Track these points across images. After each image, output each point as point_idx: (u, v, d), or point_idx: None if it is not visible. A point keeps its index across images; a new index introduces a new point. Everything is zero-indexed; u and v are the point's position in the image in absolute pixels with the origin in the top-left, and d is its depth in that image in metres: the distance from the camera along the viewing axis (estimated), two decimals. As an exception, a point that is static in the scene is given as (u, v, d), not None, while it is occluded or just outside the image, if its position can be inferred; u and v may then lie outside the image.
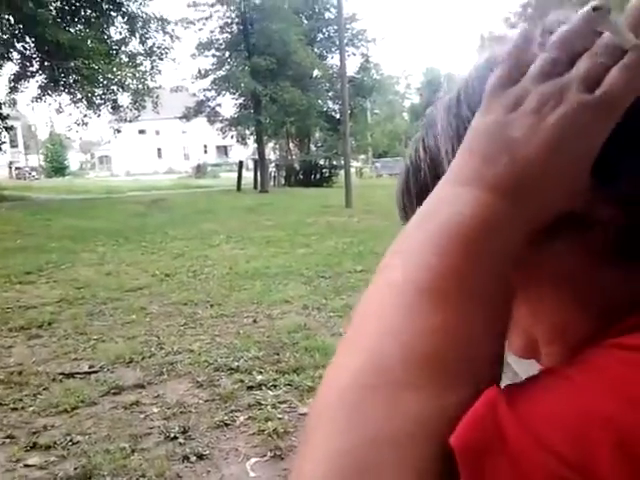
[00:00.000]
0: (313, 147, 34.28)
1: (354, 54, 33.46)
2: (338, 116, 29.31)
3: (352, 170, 20.80)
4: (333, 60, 31.59)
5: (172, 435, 2.96)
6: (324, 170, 29.54)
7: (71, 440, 2.93)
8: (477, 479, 0.29)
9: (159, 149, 64.93)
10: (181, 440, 2.93)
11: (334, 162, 29.37)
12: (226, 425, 3.09)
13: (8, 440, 2.96)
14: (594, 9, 0.37)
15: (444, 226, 0.37)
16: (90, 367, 3.95)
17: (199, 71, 27.01)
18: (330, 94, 31.59)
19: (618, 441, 0.28)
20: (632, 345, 0.33)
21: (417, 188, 0.48)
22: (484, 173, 0.38)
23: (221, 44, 27.10)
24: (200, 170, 46.78)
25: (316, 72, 29.66)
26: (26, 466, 2.72)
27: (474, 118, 0.41)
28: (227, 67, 26.77)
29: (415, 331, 0.34)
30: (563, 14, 0.42)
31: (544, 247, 0.40)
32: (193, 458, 2.76)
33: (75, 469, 2.65)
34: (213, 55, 27.26)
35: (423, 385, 0.32)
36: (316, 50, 30.17)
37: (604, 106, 0.36)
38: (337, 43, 23.47)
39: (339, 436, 0.32)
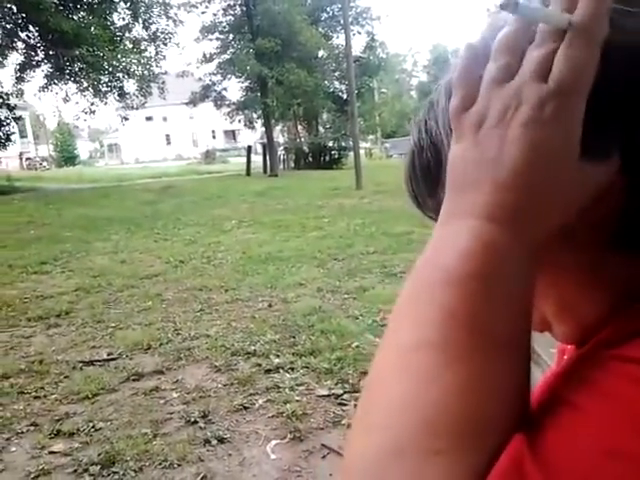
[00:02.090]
0: (321, 129, 34.09)
1: (359, 33, 33.14)
2: (345, 96, 29.09)
3: (361, 151, 20.69)
4: (338, 40, 31.27)
5: (192, 419, 3.00)
6: (333, 152, 29.41)
7: (93, 427, 2.98)
8: None
9: (167, 135, 64.87)
10: (201, 424, 2.96)
11: (343, 143, 29.22)
12: (245, 408, 3.12)
13: (32, 428, 3.01)
14: (501, 7, 0.35)
15: (441, 270, 0.35)
16: (109, 354, 3.99)
17: (204, 55, 26.87)
18: (336, 74, 31.31)
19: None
20: (635, 358, 0.32)
21: (422, 171, 0.47)
22: (474, 203, 0.36)
23: (225, 27, 26.90)
24: (209, 156, 46.74)
25: (321, 52, 29.38)
26: (51, 453, 2.76)
27: (450, 148, 0.39)
28: (232, 50, 26.60)
29: (432, 398, 0.32)
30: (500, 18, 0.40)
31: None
32: (214, 442, 2.79)
33: (99, 455, 2.69)
34: (217, 38, 27.09)
35: (449, 449, 0.31)
36: (321, 30, 29.82)
37: (564, 92, 0.34)
38: (342, 22, 23.19)
39: None
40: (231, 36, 26.86)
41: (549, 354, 1.45)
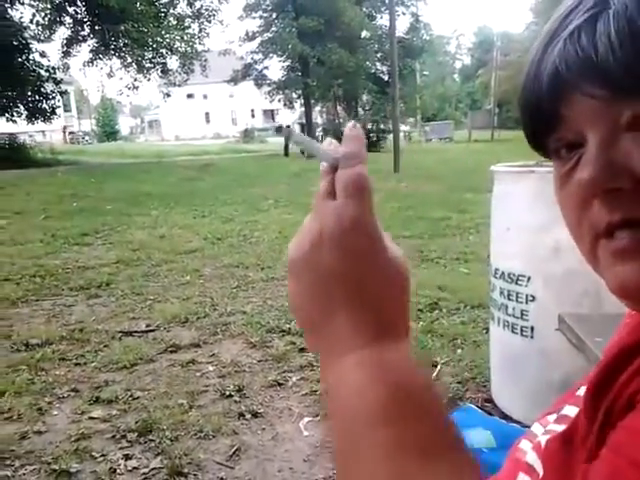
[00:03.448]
0: (361, 110, 33.77)
1: (404, 13, 32.64)
2: (386, 78, 28.74)
3: (400, 134, 20.45)
4: (382, 20, 30.87)
5: (227, 393, 3.04)
6: (372, 134, 29.15)
7: (131, 395, 3.04)
8: None
9: (207, 113, 65.32)
10: (236, 398, 3.00)
11: (382, 126, 28.95)
12: (279, 385, 3.15)
13: (73, 393, 3.09)
14: (276, 130, 0.36)
15: (363, 422, 0.37)
16: (147, 326, 4.07)
17: (246, 33, 26.90)
18: (378, 55, 30.97)
19: None
20: None
21: None
22: (341, 340, 0.39)
23: (268, 5, 26.82)
24: (247, 135, 46.90)
25: (364, 33, 29.05)
26: (90, 418, 2.83)
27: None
28: (274, 29, 26.53)
29: None
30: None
31: None
32: (248, 416, 2.82)
33: (136, 423, 2.75)
34: (260, 17, 27.04)
35: None
36: (365, 10, 29.45)
37: (350, 197, 0.40)
38: (386, 2, 22.80)
39: None
40: (274, 14, 26.76)
41: (594, 342, 1.41)
